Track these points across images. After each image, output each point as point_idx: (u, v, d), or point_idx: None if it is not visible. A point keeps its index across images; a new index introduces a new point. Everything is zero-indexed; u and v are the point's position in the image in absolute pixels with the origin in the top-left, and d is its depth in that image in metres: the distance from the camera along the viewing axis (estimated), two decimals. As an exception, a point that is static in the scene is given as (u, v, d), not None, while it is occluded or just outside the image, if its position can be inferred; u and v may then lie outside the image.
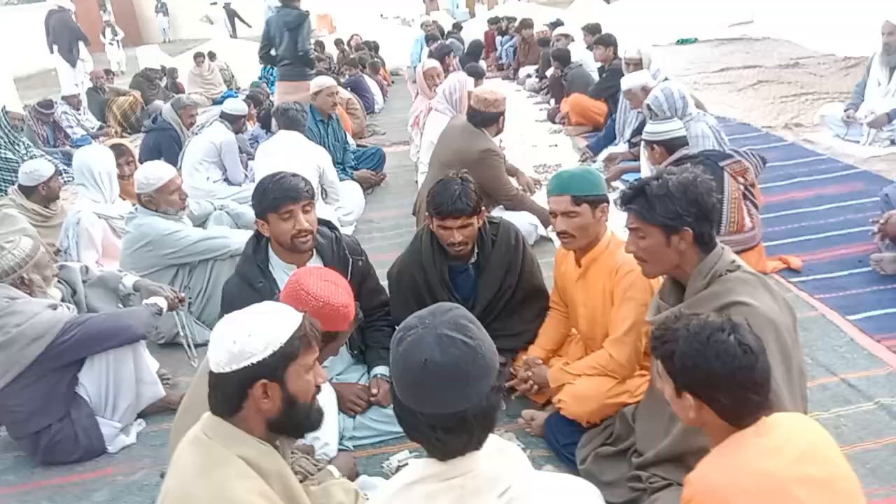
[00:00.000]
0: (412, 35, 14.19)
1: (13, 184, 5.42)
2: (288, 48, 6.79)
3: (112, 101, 10.59)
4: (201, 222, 4.66)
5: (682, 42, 12.96)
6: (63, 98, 9.87)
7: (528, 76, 10.79)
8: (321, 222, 2.89)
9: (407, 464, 2.59)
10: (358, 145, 7.13)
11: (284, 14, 6.77)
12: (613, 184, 5.44)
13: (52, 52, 11.69)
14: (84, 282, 3.42)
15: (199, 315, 3.96)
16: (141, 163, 5.27)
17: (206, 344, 3.02)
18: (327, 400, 2.75)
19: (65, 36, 11.50)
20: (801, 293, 3.64)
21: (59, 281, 3.27)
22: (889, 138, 5.51)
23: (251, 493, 1.54)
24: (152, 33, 28.17)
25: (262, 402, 1.61)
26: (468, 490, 1.27)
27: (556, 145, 7.12)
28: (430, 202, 2.86)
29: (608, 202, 2.77)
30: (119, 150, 5.52)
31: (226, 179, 6.01)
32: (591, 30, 9.21)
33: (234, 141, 6.07)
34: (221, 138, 5.94)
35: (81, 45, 11.93)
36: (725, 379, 1.54)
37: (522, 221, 4.45)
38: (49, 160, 5.95)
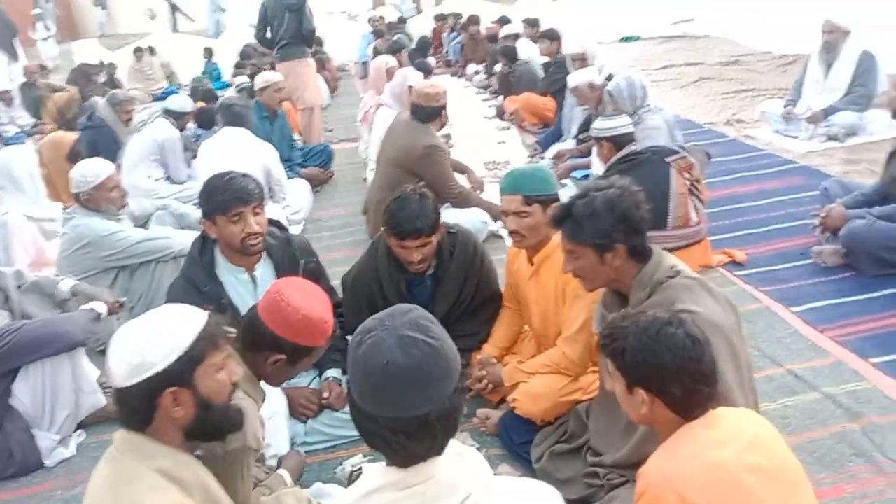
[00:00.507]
0: (359, 30, 14.03)
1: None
2: (290, 28, 6.95)
3: (47, 97, 10.18)
4: (142, 222, 4.51)
5: (625, 39, 13.14)
6: (-5, 94, 9.47)
7: (476, 73, 10.79)
8: (271, 222, 2.80)
9: (361, 469, 2.54)
10: (304, 142, 7.02)
11: None
12: (563, 181, 5.46)
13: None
14: (17, 287, 3.26)
15: (141, 319, 3.82)
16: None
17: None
18: (277, 405, 2.69)
19: (3, 29, 11.03)
20: (745, 286, 3.71)
21: (-11, 287, 3.12)
22: (826, 134, 5.67)
23: None
24: (89, 27, 27.24)
25: (174, 411, 1.54)
26: (429, 497, 1.24)
27: (505, 142, 7.13)
28: (386, 221, 2.77)
29: (559, 200, 2.77)
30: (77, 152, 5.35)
31: (168, 178, 5.82)
32: (532, 23, 9.27)
33: (178, 138, 5.89)
34: (164, 135, 5.76)
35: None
36: (676, 371, 1.57)
37: (472, 218, 4.43)
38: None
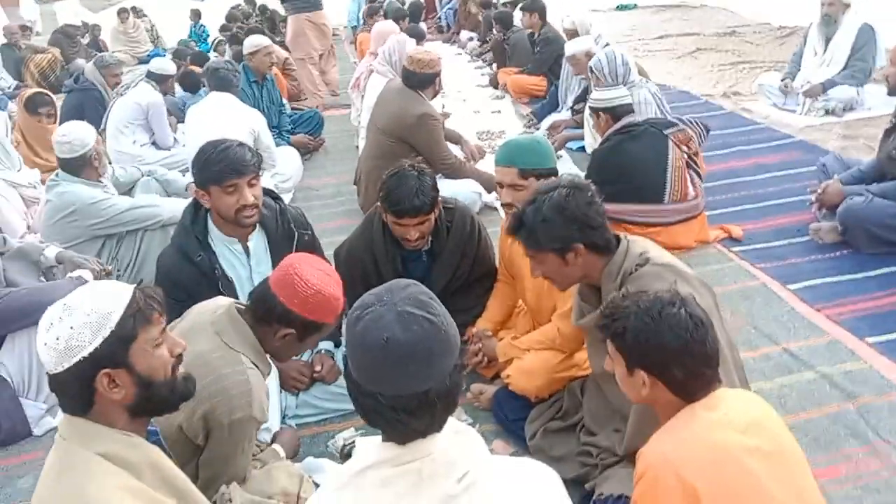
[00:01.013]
0: (349, -6, 13.74)
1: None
2: None
3: (29, 58, 9.96)
4: (127, 189, 4.41)
5: (621, 8, 12.98)
6: (-25, 54, 9.24)
7: (470, 39, 10.62)
8: (265, 192, 2.71)
9: (353, 442, 2.52)
10: (294, 108, 6.89)
11: None
12: (558, 152, 5.40)
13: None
14: (1, 254, 3.19)
15: (128, 288, 3.75)
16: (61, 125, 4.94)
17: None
18: (268, 378, 2.65)
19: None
20: (742, 262, 3.68)
21: (-29, 254, 3.04)
22: (824, 108, 5.61)
23: (111, 491, 1.41)
24: (72, -14, 26.62)
25: (112, 392, 1.47)
26: (425, 475, 1.21)
27: (500, 111, 7.02)
28: (384, 197, 2.70)
29: (557, 175, 2.72)
30: (42, 99, 5.18)
31: (153, 143, 5.70)
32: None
33: (162, 102, 5.76)
34: (148, 99, 5.62)
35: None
36: (679, 352, 1.55)
37: (465, 190, 4.37)
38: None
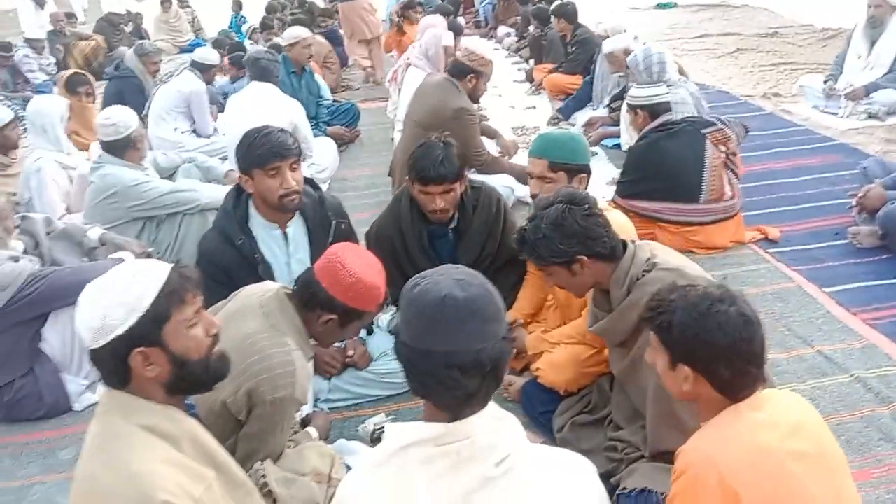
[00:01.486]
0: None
1: (-31, 128, 5.16)
2: None
3: (73, 45, 10.17)
4: (168, 175, 4.50)
5: (661, 6, 12.83)
6: (26, 41, 9.45)
7: (507, 35, 10.60)
8: (305, 181, 2.77)
9: (383, 427, 2.56)
10: (333, 100, 6.96)
11: None
12: (593, 149, 5.38)
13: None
14: (47, 234, 3.28)
15: (167, 271, 3.84)
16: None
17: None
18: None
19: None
20: (778, 264, 3.65)
21: (20, 233, 3.13)
22: (866, 111, 5.52)
23: (153, 463, 1.44)
24: (116, -24, 27.09)
25: (147, 370, 1.49)
26: (464, 457, 1.24)
27: (535, 107, 7.01)
28: (411, 167, 2.78)
29: (588, 171, 2.73)
30: (80, 79, 5.31)
31: (194, 131, 5.80)
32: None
33: (205, 91, 5.86)
34: (191, 87, 5.72)
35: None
36: (726, 350, 1.51)
37: (498, 184, 4.35)
38: (7, 105, 5.68)
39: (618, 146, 5.31)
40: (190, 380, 1.57)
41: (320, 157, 5.37)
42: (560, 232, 2.08)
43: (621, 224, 2.47)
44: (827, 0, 9.32)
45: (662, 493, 1.93)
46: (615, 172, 4.65)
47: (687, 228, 3.76)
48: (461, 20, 9.71)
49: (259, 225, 2.70)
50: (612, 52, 5.43)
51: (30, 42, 9.38)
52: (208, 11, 13.83)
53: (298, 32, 6.01)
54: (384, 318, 3.12)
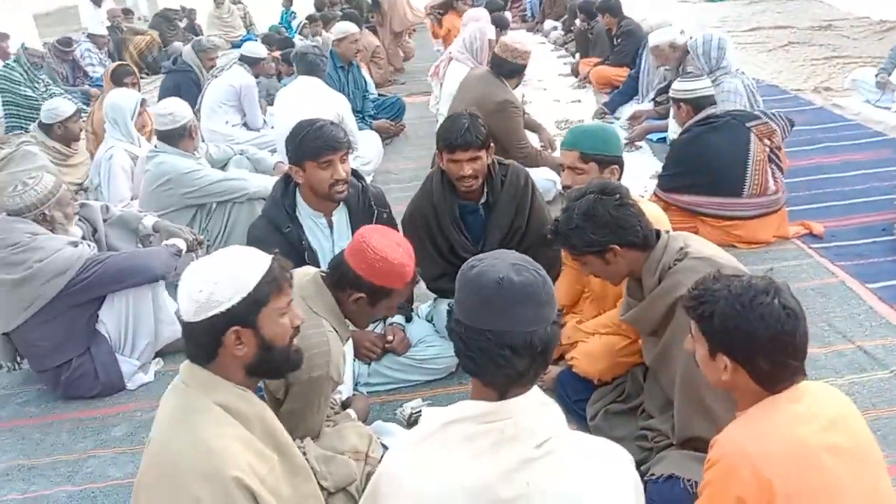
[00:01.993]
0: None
1: (33, 121, 5.42)
2: None
3: (128, 40, 10.50)
4: (220, 167, 4.64)
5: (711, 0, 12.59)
6: (89, 36, 9.78)
7: (554, 29, 10.56)
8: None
9: (420, 411, 2.63)
10: (379, 94, 7.05)
11: None
12: (638, 143, 5.37)
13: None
14: (104, 221, 3.44)
15: (217, 257, 3.98)
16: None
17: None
18: (344, 346, 2.78)
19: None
20: (822, 259, 3.61)
21: (79, 219, 3.29)
22: (921, 106, 5.38)
23: (228, 440, 1.52)
24: (172, -27, 27.70)
25: (236, 349, 1.59)
26: (506, 436, 1.28)
27: (580, 101, 6.99)
28: (438, 137, 2.86)
29: (620, 163, 2.75)
30: (125, 70, 5.52)
31: (244, 124, 5.96)
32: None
33: (254, 85, 6.01)
34: (241, 81, 5.88)
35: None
36: (768, 342, 1.50)
37: (539, 178, 4.38)
38: (69, 99, 5.94)
39: (662, 140, 5.27)
40: (271, 365, 1.67)
41: (365, 150, 5.46)
42: (592, 222, 2.11)
43: (654, 214, 2.48)
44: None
45: (689, 480, 1.96)
46: (659, 166, 4.64)
47: (729, 223, 3.74)
48: (508, 14, 9.72)
49: (306, 213, 2.80)
50: (658, 46, 5.39)
51: (93, 38, 9.70)
52: (260, 7, 14.07)
53: (347, 28, 6.11)
54: (423, 308, 3.20)
